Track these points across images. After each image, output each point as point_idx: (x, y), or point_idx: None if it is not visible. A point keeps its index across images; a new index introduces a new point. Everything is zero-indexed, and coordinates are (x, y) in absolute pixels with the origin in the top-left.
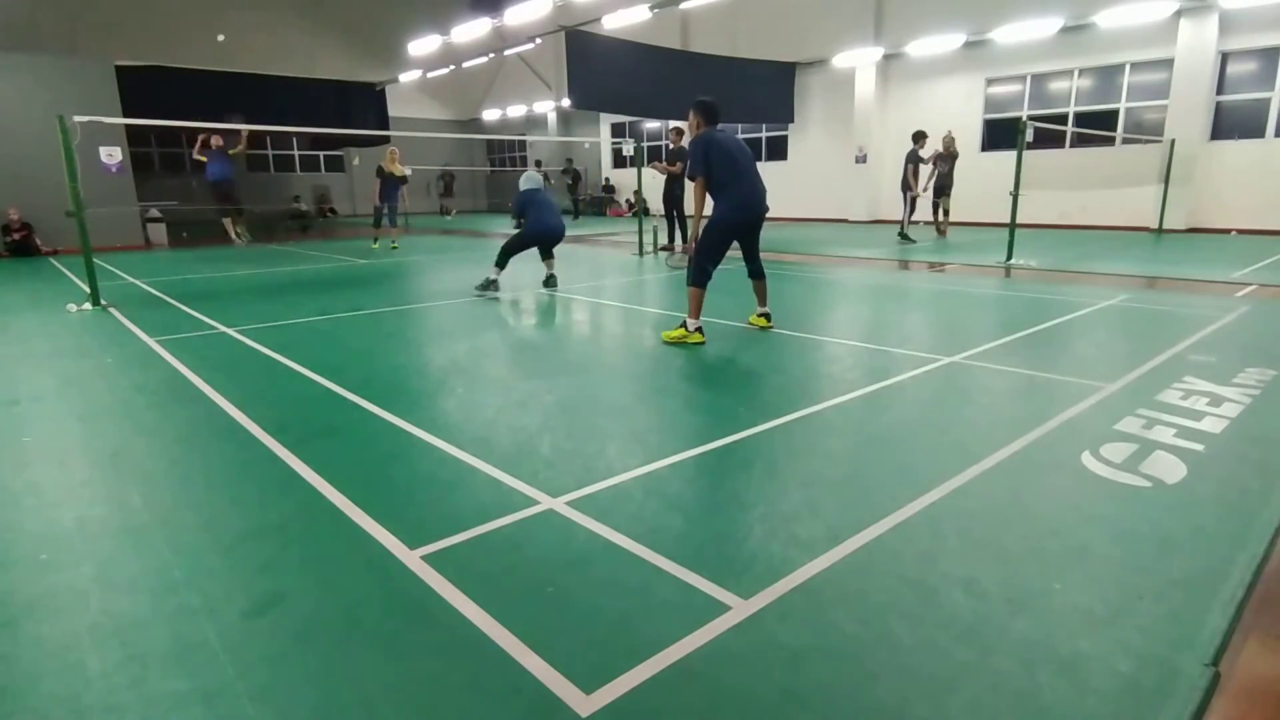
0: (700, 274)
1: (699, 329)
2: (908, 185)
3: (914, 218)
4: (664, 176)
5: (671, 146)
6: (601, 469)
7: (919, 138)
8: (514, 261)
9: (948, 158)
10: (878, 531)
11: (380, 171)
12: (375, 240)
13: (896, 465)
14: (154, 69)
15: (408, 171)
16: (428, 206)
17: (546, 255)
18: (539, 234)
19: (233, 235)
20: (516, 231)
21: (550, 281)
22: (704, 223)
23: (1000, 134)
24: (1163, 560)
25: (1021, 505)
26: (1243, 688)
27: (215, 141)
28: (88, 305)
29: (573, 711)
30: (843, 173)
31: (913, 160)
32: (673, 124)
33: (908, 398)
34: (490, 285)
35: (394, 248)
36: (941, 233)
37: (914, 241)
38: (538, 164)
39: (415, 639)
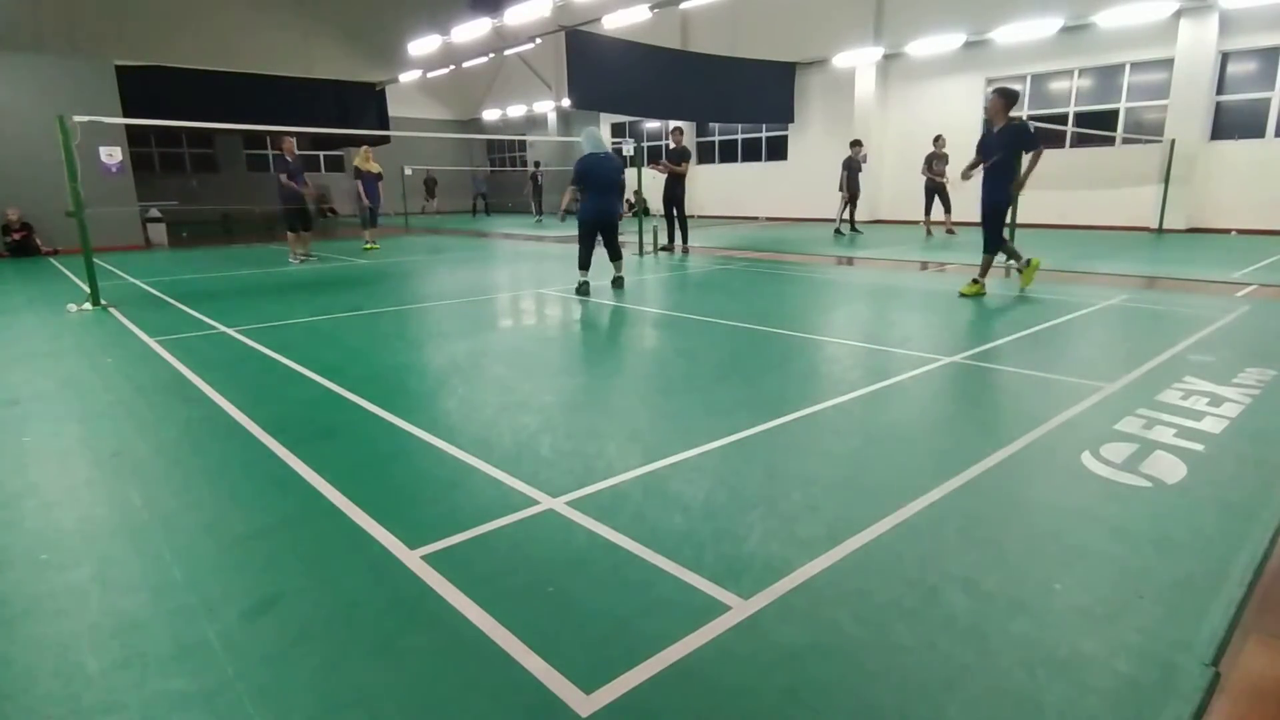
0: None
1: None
2: (841, 186)
3: (846, 215)
4: (664, 176)
5: (673, 146)
6: (601, 469)
7: (855, 145)
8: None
9: (940, 157)
10: (878, 531)
11: (358, 172)
12: (368, 242)
13: (896, 465)
14: (154, 69)
15: (378, 168)
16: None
17: (610, 249)
18: (589, 221)
19: (292, 254)
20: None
21: (617, 283)
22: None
23: None
24: (1163, 560)
25: (1021, 505)
26: (1243, 688)
27: (289, 149)
28: (88, 305)
29: (573, 711)
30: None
31: (848, 166)
32: (673, 124)
33: (908, 398)
34: (583, 287)
35: (375, 248)
36: (950, 231)
37: (844, 235)
38: (536, 164)
39: (415, 639)
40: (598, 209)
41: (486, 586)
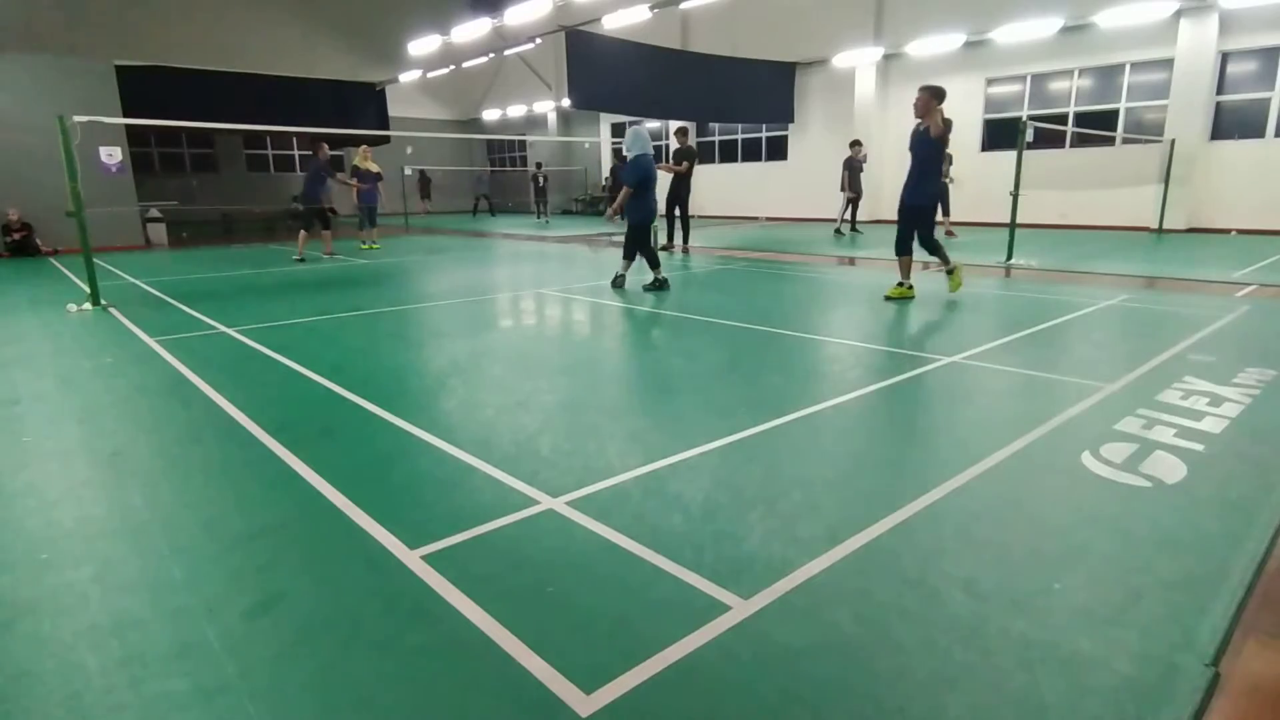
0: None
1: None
2: (844, 187)
3: (847, 215)
4: (670, 176)
5: (677, 146)
6: (601, 469)
7: (855, 145)
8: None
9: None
10: (878, 531)
11: (355, 170)
12: (364, 242)
13: (896, 465)
14: (154, 69)
15: (377, 167)
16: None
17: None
18: (646, 222)
19: (299, 251)
20: (627, 224)
21: (661, 285)
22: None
23: (1000, 134)
24: (1163, 560)
25: (1021, 505)
26: (1243, 688)
27: (323, 154)
28: (88, 305)
29: (573, 711)
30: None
31: (849, 166)
32: (675, 124)
33: (908, 398)
34: (662, 284)
35: (375, 247)
36: (950, 233)
37: (844, 235)
38: (538, 165)
39: (415, 639)
40: (649, 209)
41: (486, 586)
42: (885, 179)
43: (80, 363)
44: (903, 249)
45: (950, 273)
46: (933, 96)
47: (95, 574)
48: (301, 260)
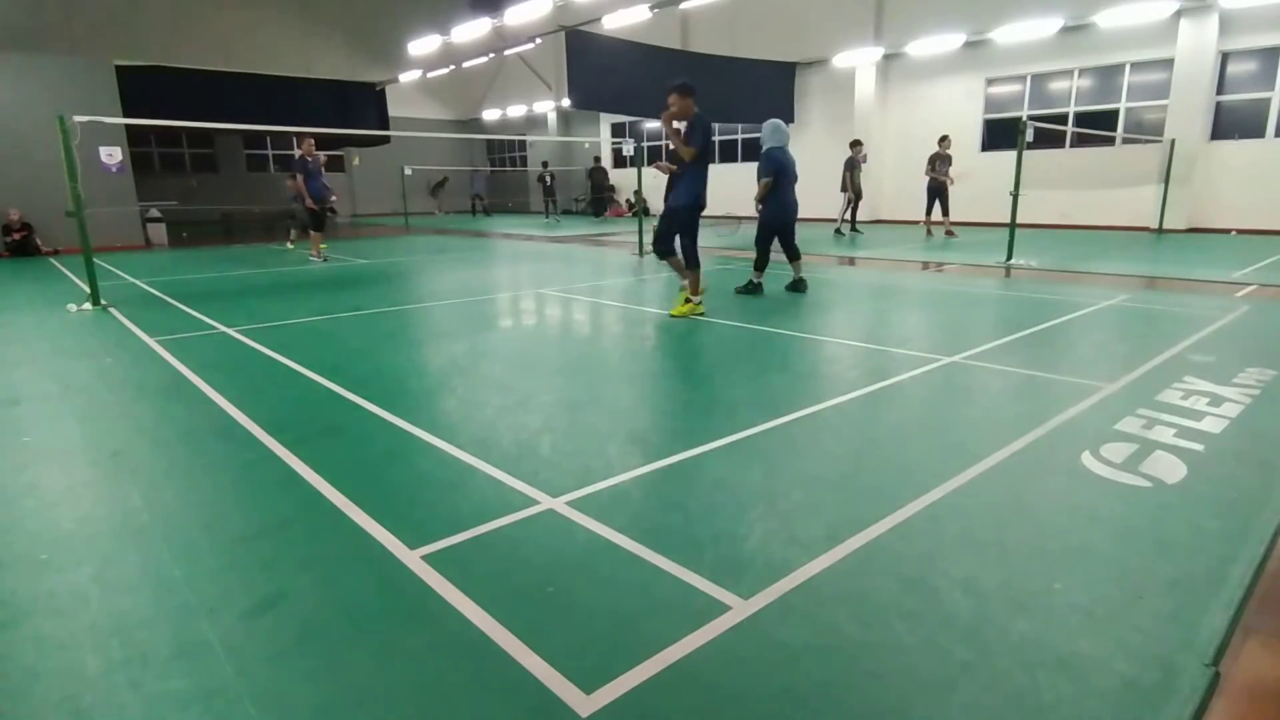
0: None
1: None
2: (844, 187)
3: (847, 215)
4: (665, 177)
5: (672, 147)
6: (601, 469)
7: (855, 145)
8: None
9: (944, 158)
10: (878, 531)
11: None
12: (305, 250)
13: (896, 465)
14: (154, 69)
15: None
16: (427, 206)
17: (791, 250)
18: (778, 220)
19: (315, 252)
20: (759, 224)
21: (800, 285)
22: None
23: (1000, 134)
24: (1163, 560)
25: (1021, 505)
26: (1243, 688)
27: (309, 151)
28: (88, 305)
29: (573, 711)
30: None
31: (850, 166)
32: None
33: (908, 398)
34: (756, 288)
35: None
36: (949, 233)
37: (844, 235)
38: (544, 164)
39: (415, 639)
40: (786, 206)
41: (486, 586)
42: (885, 179)
43: (80, 363)
44: (664, 250)
45: (686, 297)
46: (682, 95)
47: (95, 574)
48: (323, 259)
